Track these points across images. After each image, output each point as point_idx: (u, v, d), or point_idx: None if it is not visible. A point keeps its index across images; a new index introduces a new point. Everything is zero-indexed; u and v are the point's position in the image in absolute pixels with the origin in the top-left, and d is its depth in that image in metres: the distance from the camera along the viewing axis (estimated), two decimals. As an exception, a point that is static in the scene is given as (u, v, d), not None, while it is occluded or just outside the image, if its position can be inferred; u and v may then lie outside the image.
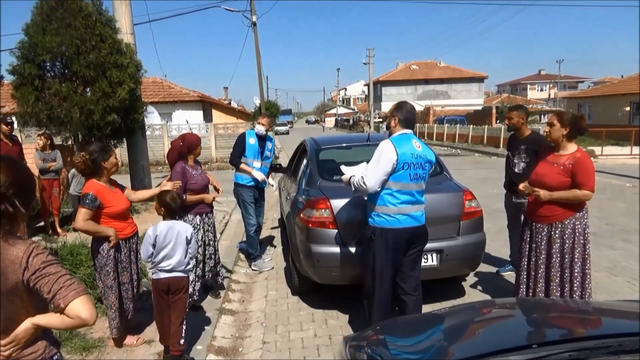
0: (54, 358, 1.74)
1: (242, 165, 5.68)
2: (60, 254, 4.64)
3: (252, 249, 5.94)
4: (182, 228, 3.43)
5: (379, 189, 3.42)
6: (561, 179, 3.53)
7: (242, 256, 6.42)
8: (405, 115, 3.54)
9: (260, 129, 5.76)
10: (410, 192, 3.46)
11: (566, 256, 3.59)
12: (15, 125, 8.67)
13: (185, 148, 4.36)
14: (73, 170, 7.19)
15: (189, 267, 3.48)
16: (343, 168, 3.86)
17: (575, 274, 3.58)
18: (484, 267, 5.20)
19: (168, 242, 3.36)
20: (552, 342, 1.74)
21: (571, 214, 3.57)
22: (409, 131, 3.56)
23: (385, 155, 3.36)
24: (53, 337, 1.79)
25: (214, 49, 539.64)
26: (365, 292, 3.69)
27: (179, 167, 4.28)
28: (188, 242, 3.42)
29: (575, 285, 3.58)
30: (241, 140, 5.75)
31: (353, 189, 3.61)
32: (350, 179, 3.65)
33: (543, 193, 3.57)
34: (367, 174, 3.41)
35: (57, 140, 8.19)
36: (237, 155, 5.71)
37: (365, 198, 3.66)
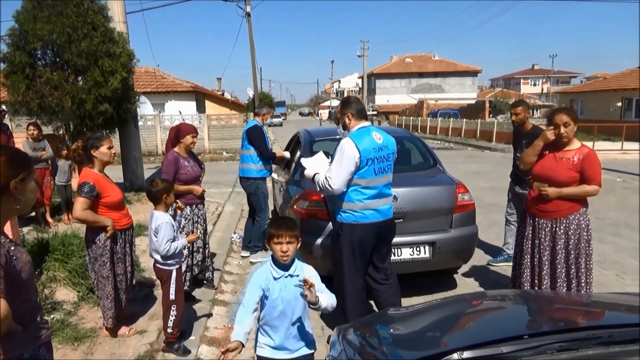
0: None
1: (279, 152, 5.87)
2: (51, 244, 4.61)
3: (259, 242, 5.89)
4: (153, 218, 3.37)
5: (345, 189, 3.34)
6: (571, 175, 3.47)
7: (235, 247, 6.42)
8: (356, 107, 3.47)
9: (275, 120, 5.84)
10: (376, 187, 3.39)
11: (571, 252, 3.54)
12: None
13: (174, 134, 4.33)
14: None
15: (167, 260, 3.36)
16: (304, 161, 3.74)
17: (583, 270, 3.54)
18: (475, 260, 5.24)
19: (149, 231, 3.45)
20: (542, 332, 1.76)
21: (576, 209, 3.52)
22: (367, 123, 3.48)
23: (347, 154, 3.26)
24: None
25: (207, 39, 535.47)
26: (336, 288, 3.60)
27: (171, 155, 4.24)
28: (155, 233, 3.33)
29: (582, 281, 3.54)
30: (262, 132, 5.70)
31: (318, 189, 3.50)
32: (314, 177, 3.52)
33: (551, 191, 3.49)
34: (331, 175, 3.31)
35: (49, 130, 8.11)
36: (267, 147, 5.70)
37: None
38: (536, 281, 3.72)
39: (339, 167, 3.29)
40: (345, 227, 3.43)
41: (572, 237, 3.53)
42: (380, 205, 3.44)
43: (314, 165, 3.62)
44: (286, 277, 2.43)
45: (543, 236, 3.63)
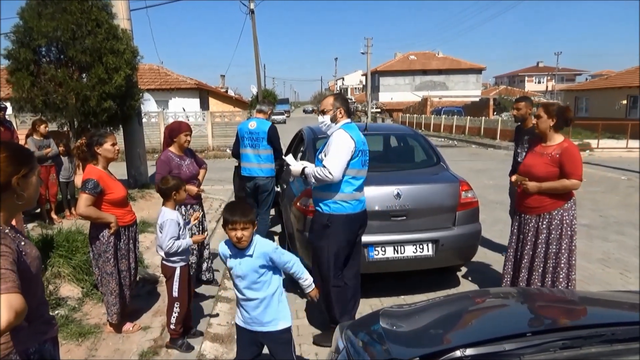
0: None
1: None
2: (56, 240, 4.63)
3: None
4: (160, 214, 3.38)
5: (342, 178, 3.42)
6: (549, 169, 3.54)
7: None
8: (348, 106, 3.61)
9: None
10: (361, 178, 3.53)
11: (550, 247, 3.62)
12: (10, 111, 8.60)
13: (167, 133, 4.30)
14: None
15: (172, 257, 3.37)
16: (288, 159, 3.78)
17: (562, 265, 3.60)
18: (479, 257, 5.24)
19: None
20: (545, 330, 1.76)
21: (559, 204, 3.58)
22: (349, 120, 3.61)
23: (345, 144, 3.39)
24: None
25: (211, 36, 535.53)
26: (321, 283, 3.56)
27: (164, 155, 4.19)
28: (160, 229, 3.33)
29: (561, 276, 3.60)
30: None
31: (312, 180, 3.50)
32: (304, 170, 3.55)
33: (531, 185, 3.58)
34: (330, 164, 3.35)
35: (53, 127, 8.13)
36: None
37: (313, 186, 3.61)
38: (516, 273, 3.83)
39: (337, 155, 3.37)
40: (336, 218, 3.47)
41: (554, 232, 3.60)
42: (361, 195, 3.59)
43: (298, 161, 3.72)
44: (243, 257, 2.55)
45: (527, 231, 3.72)
